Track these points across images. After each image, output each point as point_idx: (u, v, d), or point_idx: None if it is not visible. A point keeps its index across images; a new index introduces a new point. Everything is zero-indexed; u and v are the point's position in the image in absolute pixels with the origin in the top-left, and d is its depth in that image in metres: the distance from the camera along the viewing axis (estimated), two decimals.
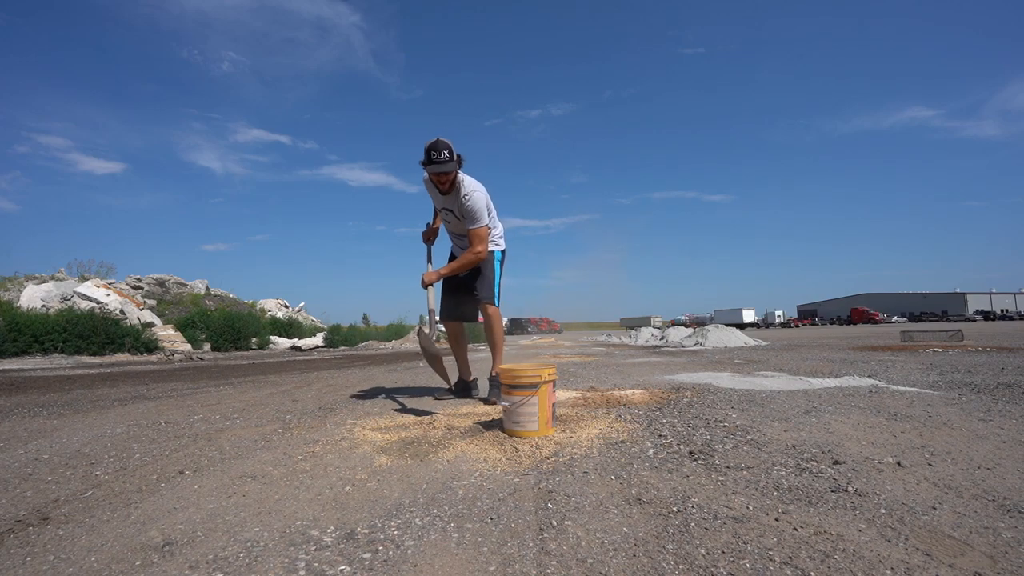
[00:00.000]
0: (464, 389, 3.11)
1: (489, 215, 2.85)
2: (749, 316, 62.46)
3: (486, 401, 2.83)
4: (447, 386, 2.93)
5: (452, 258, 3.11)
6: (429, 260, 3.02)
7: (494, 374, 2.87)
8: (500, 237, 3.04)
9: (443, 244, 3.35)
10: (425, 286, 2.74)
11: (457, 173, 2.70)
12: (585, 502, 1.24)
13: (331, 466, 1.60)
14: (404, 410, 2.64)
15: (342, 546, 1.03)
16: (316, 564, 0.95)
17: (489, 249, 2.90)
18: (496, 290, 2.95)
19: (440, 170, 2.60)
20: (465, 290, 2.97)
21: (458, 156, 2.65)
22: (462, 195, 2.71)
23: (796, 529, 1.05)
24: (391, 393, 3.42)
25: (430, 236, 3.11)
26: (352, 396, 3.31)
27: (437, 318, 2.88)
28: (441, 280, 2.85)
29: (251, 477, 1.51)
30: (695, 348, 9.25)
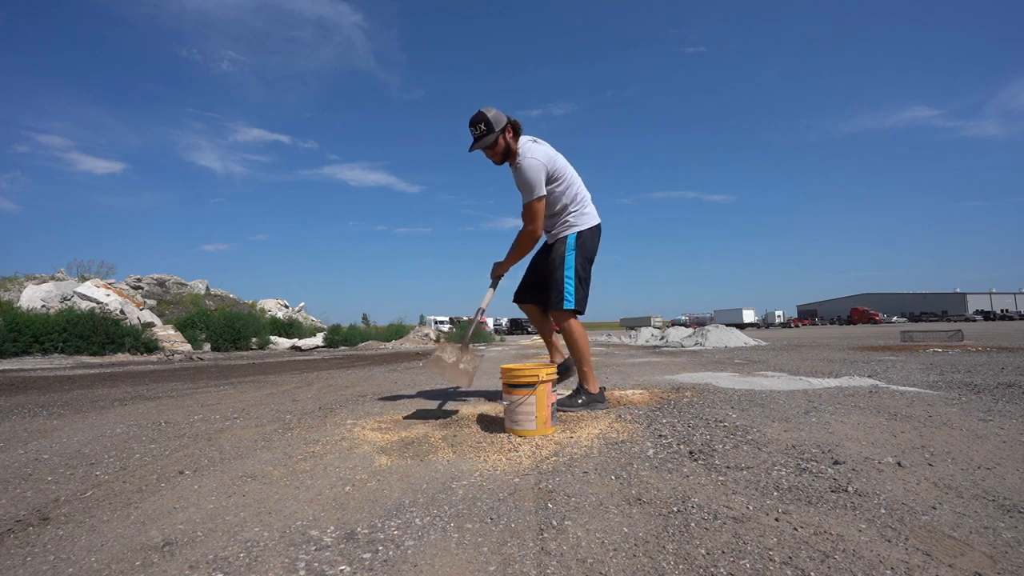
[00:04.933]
0: (566, 370, 2.63)
1: (560, 187, 2.43)
2: (749, 316, 62.49)
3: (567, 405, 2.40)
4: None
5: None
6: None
7: (582, 386, 2.48)
8: (579, 214, 2.49)
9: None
10: (493, 278, 2.47)
11: (511, 143, 2.38)
12: (585, 502, 1.24)
13: (331, 466, 1.60)
14: (404, 410, 2.64)
15: (342, 546, 1.03)
16: (316, 564, 0.95)
17: (562, 235, 2.47)
18: (569, 289, 2.41)
19: (482, 146, 2.35)
20: (540, 281, 2.58)
21: (511, 122, 2.36)
22: (516, 163, 2.37)
23: (796, 529, 1.05)
24: (391, 393, 3.42)
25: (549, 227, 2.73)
26: (352, 396, 3.30)
27: (483, 318, 2.60)
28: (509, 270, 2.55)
29: (251, 477, 1.51)
30: (695, 348, 9.25)
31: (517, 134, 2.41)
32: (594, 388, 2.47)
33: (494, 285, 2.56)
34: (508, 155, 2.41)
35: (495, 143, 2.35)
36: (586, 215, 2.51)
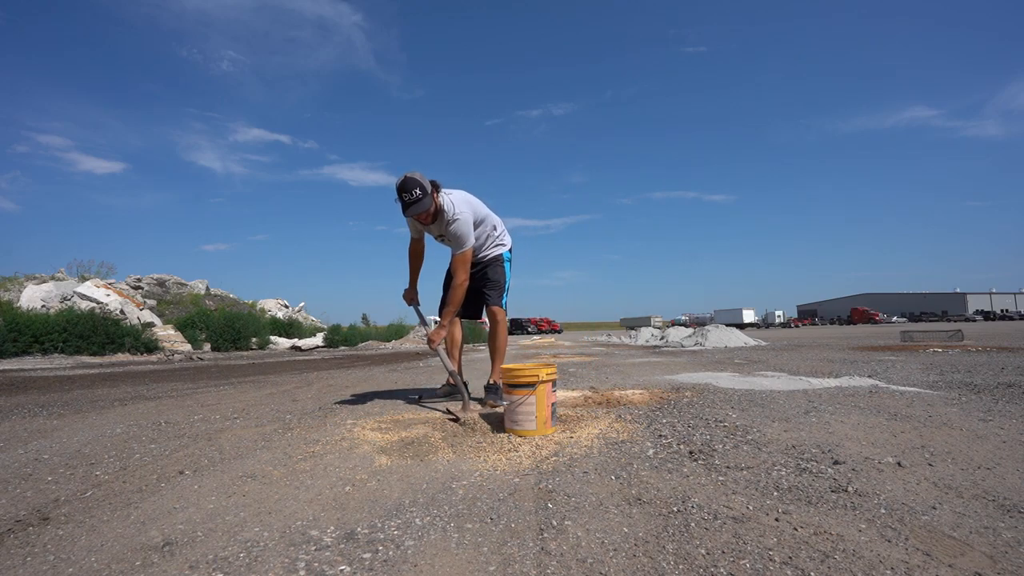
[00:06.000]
0: (453, 392, 2.96)
1: (481, 224, 2.76)
2: (749, 316, 62.47)
3: (483, 404, 2.72)
4: (443, 385, 2.93)
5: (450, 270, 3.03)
6: (423, 321, 2.99)
7: (492, 381, 2.76)
8: (504, 235, 2.95)
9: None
10: (434, 348, 2.62)
11: (437, 202, 2.57)
12: (585, 502, 1.24)
13: (331, 466, 1.60)
14: (404, 410, 2.64)
15: (342, 546, 1.03)
16: (316, 564, 0.95)
17: (495, 253, 2.87)
18: (506, 293, 2.88)
19: (415, 212, 2.47)
20: (475, 291, 2.87)
21: (432, 183, 2.52)
22: (446, 220, 2.57)
23: (796, 529, 1.05)
24: (391, 393, 3.42)
25: (413, 297, 3.02)
26: (352, 396, 3.31)
27: (456, 372, 2.80)
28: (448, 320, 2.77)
29: (251, 477, 1.51)
30: (695, 348, 9.25)
31: (438, 192, 2.59)
32: (493, 378, 2.81)
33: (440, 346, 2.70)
34: (436, 213, 2.60)
35: (429, 206, 2.50)
36: (508, 237, 2.97)
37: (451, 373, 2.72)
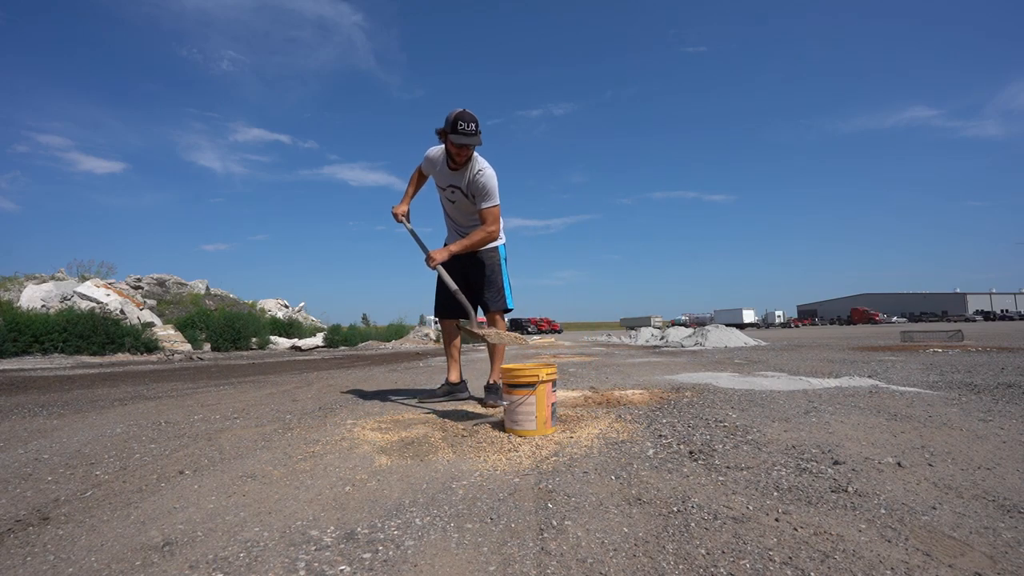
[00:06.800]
0: (452, 391, 2.96)
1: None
2: (749, 316, 62.49)
3: (483, 404, 2.72)
4: (455, 381, 2.91)
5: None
6: (417, 239, 2.71)
7: (492, 381, 2.75)
8: (501, 229, 2.84)
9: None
10: (433, 266, 2.51)
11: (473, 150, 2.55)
12: (585, 502, 1.24)
13: (331, 466, 1.60)
14: (404, 410, 2.64)
15: (342, 546, 1.03)
16: (316, 564, 0.95)
17: (492, 244, 2.75)
18: (507, 294, 2.78)
19: (465, 142, 2.44)
20: (467, 288, 2.77)
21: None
22: (476, 170, 2.54)
23: (796, 529, 1.05)
24: (391, 393, 3.42)
25: (405, 212, 2.84)
26: (352, 396, 3.31)
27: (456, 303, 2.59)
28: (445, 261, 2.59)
29: (251, 477, 1.51)
30: (695, 348, 9.25)
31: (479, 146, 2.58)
32: (493, 379, 2.78)
33: (439, 266, 2.58)
34: (465, 162, 2.57)
35: (476, 145, 2.49)
36: (503, 233, 2.83)
37: (454, 292, 2.53)
